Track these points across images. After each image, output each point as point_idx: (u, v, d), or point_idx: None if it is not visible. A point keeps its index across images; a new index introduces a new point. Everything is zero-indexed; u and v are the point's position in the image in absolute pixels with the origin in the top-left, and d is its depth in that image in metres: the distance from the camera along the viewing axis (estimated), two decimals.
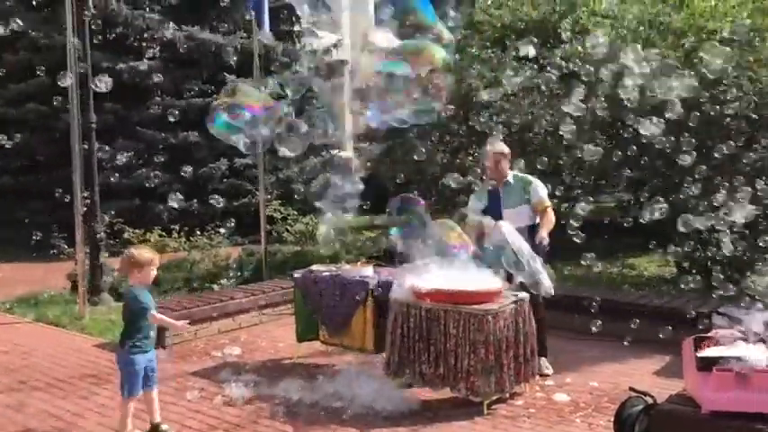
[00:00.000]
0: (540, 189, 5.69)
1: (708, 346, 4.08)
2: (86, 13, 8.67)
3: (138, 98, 14.22)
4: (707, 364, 3.87)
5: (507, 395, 4.98)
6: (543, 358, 5.57)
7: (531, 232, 5.51)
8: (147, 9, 14.47)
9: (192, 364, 6.18)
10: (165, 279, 9.05)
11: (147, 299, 4.34)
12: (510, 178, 5.73)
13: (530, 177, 5.78)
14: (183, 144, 14.12)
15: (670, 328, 5.37)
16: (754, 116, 7.90)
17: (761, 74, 7.99)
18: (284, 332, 6.92)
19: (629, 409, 4.18)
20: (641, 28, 9.48)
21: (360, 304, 5.69)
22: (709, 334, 4.26)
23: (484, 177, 6.03)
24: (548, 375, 5.55)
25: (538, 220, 5.62)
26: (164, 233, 11.15)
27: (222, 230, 10.34)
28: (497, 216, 5.60)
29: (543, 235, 5.41)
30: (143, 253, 4.45)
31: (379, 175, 11.92)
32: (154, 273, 4.43)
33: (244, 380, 5.50)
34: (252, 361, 6.21)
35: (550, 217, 5.59)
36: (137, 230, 11.07)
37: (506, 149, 5.76)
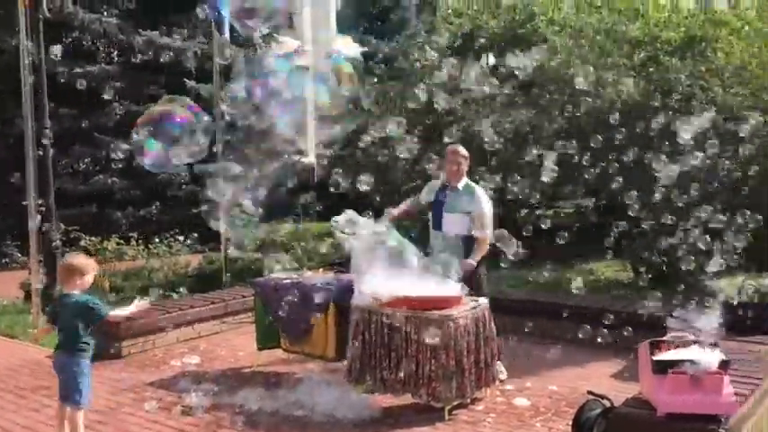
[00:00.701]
0: (484, 204, 5.60)
1: (663, 350, 4.16)
2: (40, 15, 8.49)
3: (95, 104, 13.97)
4: (662, 368, 3.95)
5: (468, 400, 5.01)
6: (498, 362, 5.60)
7: (465, 242, 5.54)
8: (105, 13, 14.25)
9: (149, 373, 6.07)
10: (123, 287, 8.90)
11: (100, 302, 4.30)
12: (460, 185, 5.69)
13: (478, 190, 5.69)
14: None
15: (626, 331, 5.47)
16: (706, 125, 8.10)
17: (713, 83, 8.22)
18: (244, 340, 6.86)
19: (588, 412, 4.23)
20: (598, 37, 9.67)
21: (321, 311, 5.66)
22: (664, 337, 4.34)
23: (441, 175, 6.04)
24: (502, 380, 5.54)
25: (474, 233, 5.57)
26: (122, 241, 10.97)
27: (181, 238, 10.20)
28: (439, 216, 5.67)
29: (470, 261, 5.43)
30: (82, 260, 4.44)
31: (338, 182, 11.90)
32: (91, 279, 4.39)
33: (203, 389, 5.43)
34: (211, 370, 6.13)
35: (483, 241, 5.54)
36: (93, 238, 10.86)
37: (466, 153, 5.79)
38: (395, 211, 5.75)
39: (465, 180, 5.74)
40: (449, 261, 5.15)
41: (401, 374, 4.87)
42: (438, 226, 5.70)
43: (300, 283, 5.87)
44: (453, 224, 5.59)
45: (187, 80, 13.06)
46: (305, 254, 9.75)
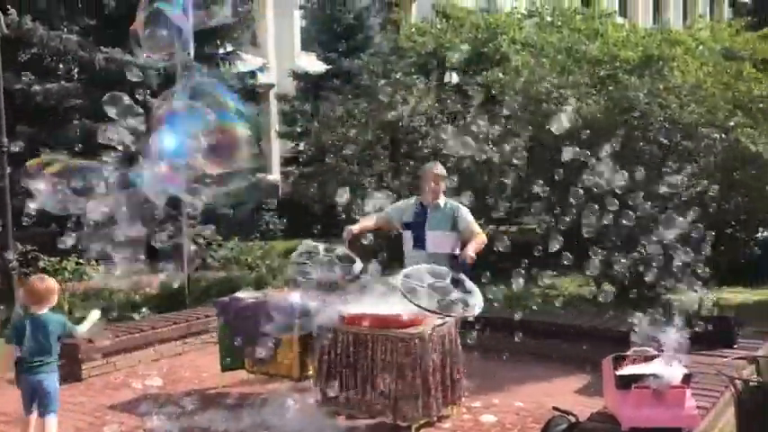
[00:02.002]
0: (468, 215, 5.74)
1: (626, 365, 4.22)
2: None
3: (55, 121, 13.71)
4: (626, 383, 4.00)
5: (435, 418, 4.99)
6: None
7: (451, 261, 5.55)
8: (65, 30, 14.03)
9: (110, 397, 5.93)
10: (82, 309, 8.70)
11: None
12: (441, 202, 5.78)
13: (459, 205, 5.80)
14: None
15: (590, 346, 5.53)
16: (664, 142, 8.29)
17: (670, 101, 8.41)
18: (208, 361, 6.74)
19: (553, 428, 4.26)
20: (559, 56, 9.84)
21: (286, 331, 5.60)
22: (627, 352, 4.40)
23: (417, 195, 6.08)
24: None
25: (458, 251, 5.62)
26: (81, 261, 10.73)
27: (141, 257, 10.01)
28: (421, 235, 5.64)
29: (469, 252, 5.45)
30: (49, 280, 4.71)
31: (305, 198, 11.89)
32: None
33: (166, 412, 5.31)
34: (174, 392, 6.01)
35: (481, 239, 5.65)
36: (52, 258, 10.61)
37: (444, 172, 5.84)
38: (355, 228, 5.72)
39: (444, 198, 5.79)
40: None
41: (367, 394, 4.84)
42: (420, 245, 5.68)
43: (265, 303, 5.81)
44: (438, 242, 5.60)
45: (150, 97, 12.90)
46: (269, 272, 9.67)
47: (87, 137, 12.67)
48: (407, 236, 5.85)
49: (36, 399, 4.48)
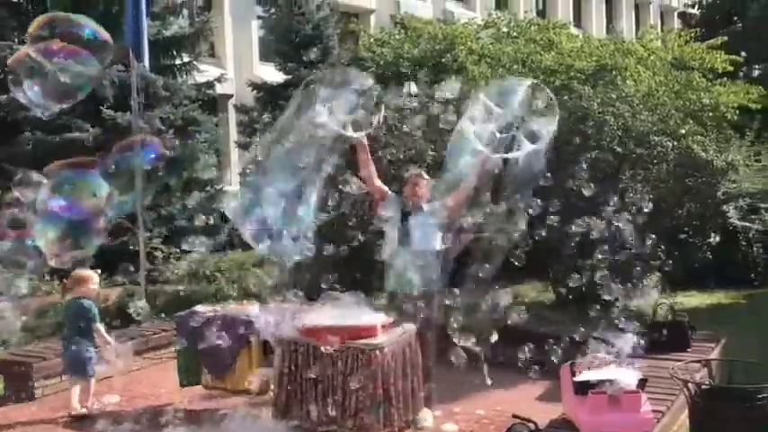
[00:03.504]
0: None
1: (584, 371, 4.28)
2: None
3: (5, 134, 13.39)
4: (583, 389, 4.05)
5: (396, 429, 4.99)
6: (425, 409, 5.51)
7: (437, 256, 5.55)
8: (16, 41, 13.74)
9: (65, 416, 5.78)
10: (37, 325, 8.49)
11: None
12: (426, 205, 5.71)
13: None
14: None
15: (549, 353, 5.56)
16: (618, 150, 8.43)
17: (623, 109, 8.56)
18: (166, 377, 6.62)
19: None
20: (515, 66, 9.95)
21: (245, 345, 5.55)
22: (584, 358, 4.46)
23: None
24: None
25: (444, 246, 5.62)
26: (34, 276, 10.47)
27: (99, 271, 9.82)
28: (406, 234, 5.58)
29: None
30: (83, 271, 5.97)
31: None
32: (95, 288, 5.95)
33: (123, 429, 5.23)
34: (132, 409, 5.90)
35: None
36: (6, 273, 10.33)
37: (426, 176, 5.83)
38: (365, 153, 5.67)
39: (428, 204, 5.74)
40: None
41: (328, 407, 4.82)
42: (406, 242, 5.60)
43: (224, 317, 5.75)
44: (424, 238, 5.55)
45: (104, 109, 12.69)
46: (229, 285, 9.57)
47: (39, 149, 12.42)
48: (391, 233, 5.69)
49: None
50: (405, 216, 5.65)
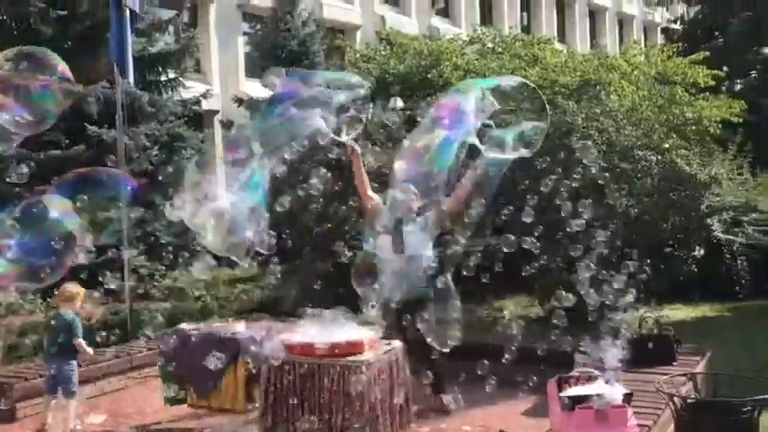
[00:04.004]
0: None
1: (570, 386, 4.27)
2: None
3: None
4: (570, 404, 4.05)
5: None
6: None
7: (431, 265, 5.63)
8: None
9: None
10: (20, 344, 8.39)
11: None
12: (415, 216, 5.79)
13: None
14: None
15: (536, 368, 5.56)
16: (603, 164, 8.49)
17: (607, 124, 8.64)
18: (152, 396, 6.55)
19: None
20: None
21: (230, 363, 5.51)
22: (571, 374, 4.46)
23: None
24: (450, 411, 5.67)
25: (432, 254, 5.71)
26: (17, 294, 10.36)
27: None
28: (398, 239, 5.67)
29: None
30: (72, 286, 5.91)
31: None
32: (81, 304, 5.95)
33: None
34: (117, 429, 5.84)
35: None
36: None
37: (416, 190, 5.81)
38: (358, 161, 5.71)
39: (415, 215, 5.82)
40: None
41: (315, 425, 4.78)
42: (400, 250, 5.69)
43: (209, 335, 5.70)
44: (417, 246, 5.66)
45: (88, 125, 12.64)
46: (215, 302, 9.52)
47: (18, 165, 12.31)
48: (385, 241, 5.76)
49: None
50: (397, 225, 5.74)
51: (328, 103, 5.13)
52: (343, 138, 5.39)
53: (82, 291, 5.99)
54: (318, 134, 5.13)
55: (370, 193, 5.91)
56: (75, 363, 5.76)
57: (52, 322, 5.78)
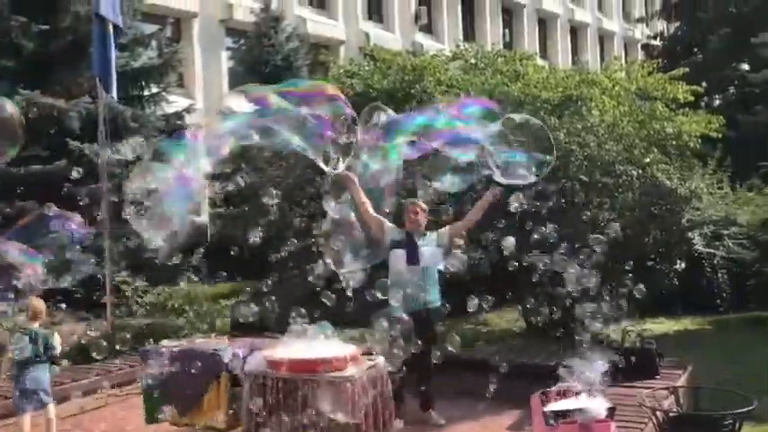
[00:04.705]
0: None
1: (554, 400, 4.27)
2: None
3: None
4: (554, 418, 4.05)
5: None
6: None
7: (440, 274, 5.96)
8: None
9: None
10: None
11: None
12: (425, 231, 6.06)
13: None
14: (20, 214, 13.13)
15: (520, 382, 5.57)
16: (585, 179, 8.55)
17: (588, 139, 8.70)
18: (132, 414, 6.48)
19: None
20: (483, 97, 10.09)
21: (213, 380, 5.46)
22: (554, 388, 4.46)
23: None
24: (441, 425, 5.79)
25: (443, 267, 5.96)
26: None
27: (63, 306, 9.61)
28: (414, 251, 5.87)
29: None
30: (38, 301, 5.96)
31: (235, 239, 11.68)
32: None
33: None
34: None
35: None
36: None
37: (425, 206, 6.08)
38: (356, 186, 5.71)
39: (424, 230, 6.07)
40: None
41: None
42: (414, 261, 5.88)
43: (190, 351, 5.65)
44: (431, 258, 5.91)
45: (71, 140, 12.55)
46: (198, 318, 9.43)
47: (4, 181, 12.21)
48: (398, 254, 5.93)
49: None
50: (409, 239, 5.94)
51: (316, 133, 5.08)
52: (335, 169, 5.37)
53: (44, 306, 6.14)
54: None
55: (372, 212, 5.97)
56: (48, 376, 5.90)
57: (26, 337, 5.79)
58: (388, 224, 6.08)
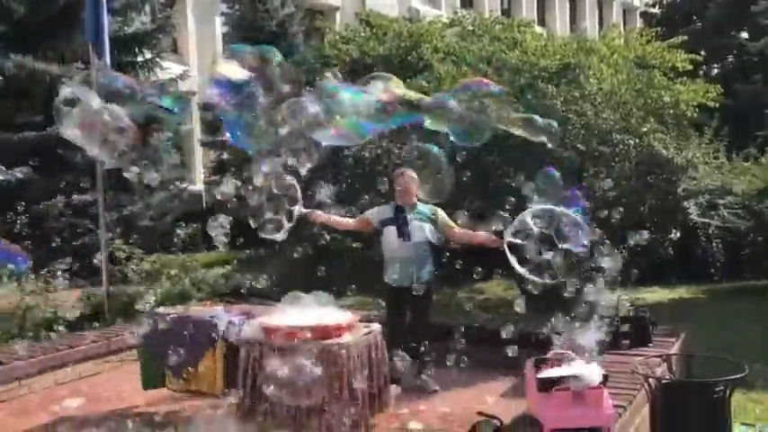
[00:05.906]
0: (443, 213, 6.01)
1: (547, 367, 4.31)
2: None
3: None
4: (547, 385, 4.08)
5: (362, 430, 4.97)
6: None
7: (431, 247, 5.89)
8: None
9: (24, 422, 5.63)
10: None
11: None
12: (417, 203, 5.95)
13: (432, 206, 6.01)
14: (14, 180, 13.07)
15: (514, 350, 5.61)
16: (581, 147, 8.54)
17: (586, 108, 8.68)
18: (129, 380, 6.51)
19: None
20: (480, 65, 10.02)
21: (209, 346, 5.49)
22: (548, 355, 4.50)
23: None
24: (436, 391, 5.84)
25: (437, 241, 5.95)
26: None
27: (60, 272, 9.62)
28: (404, 227, 5.84)
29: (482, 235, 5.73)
30: None
31: (228, 210, 11.67)
32: None
33: None
34: (94, 413, 5.77)
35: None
36: None
37: (416, 176, 5.95)
38: (324, 217, 5.78)
39: (416, 201, 5.96)
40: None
41: (293, 408, 4.78)
42: (406, 236, 5.86)
43: (187, 317, 5.67)
44: (421, 231, 5.86)
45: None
46: (193, 285, 9.45)
47: None
48: (390, 231, 5.92)
49: None
50: (399, 214, 5.90)
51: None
52: (298, 212, 5.43)
53: None
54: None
55: (352, 222, 6.11)
56: None
57: None
58: (370, 213, 6.09)
